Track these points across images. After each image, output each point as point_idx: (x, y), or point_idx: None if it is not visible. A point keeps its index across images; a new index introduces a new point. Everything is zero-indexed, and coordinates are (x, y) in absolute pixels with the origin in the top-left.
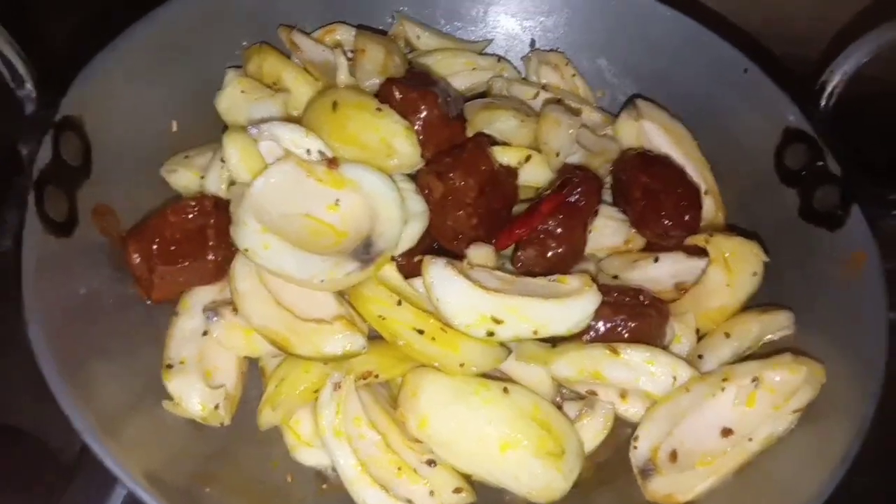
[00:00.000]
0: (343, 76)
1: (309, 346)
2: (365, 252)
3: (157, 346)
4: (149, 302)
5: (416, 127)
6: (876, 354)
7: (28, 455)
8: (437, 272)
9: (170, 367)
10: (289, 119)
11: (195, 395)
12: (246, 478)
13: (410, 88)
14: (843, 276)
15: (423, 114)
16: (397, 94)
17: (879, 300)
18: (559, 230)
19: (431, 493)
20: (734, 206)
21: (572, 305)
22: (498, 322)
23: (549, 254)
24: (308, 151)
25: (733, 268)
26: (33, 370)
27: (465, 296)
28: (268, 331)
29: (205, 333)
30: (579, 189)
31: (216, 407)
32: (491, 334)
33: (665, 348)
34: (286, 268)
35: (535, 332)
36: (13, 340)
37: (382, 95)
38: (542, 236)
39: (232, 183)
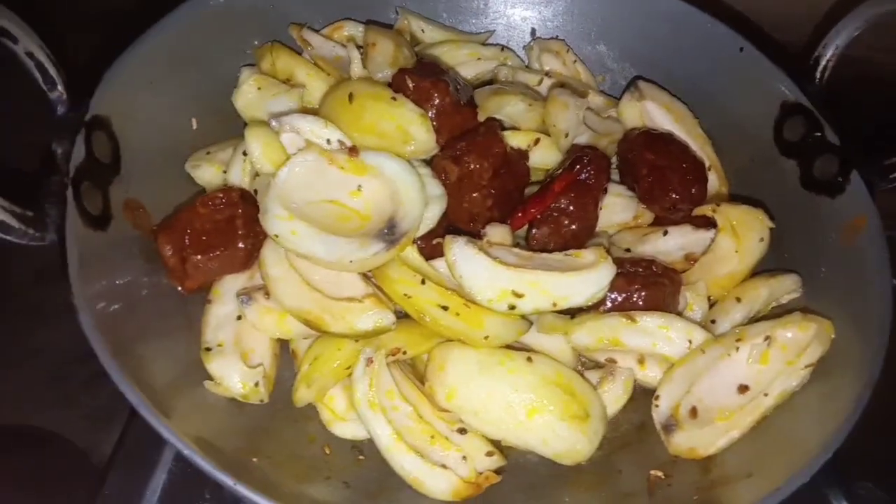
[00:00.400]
0: (357, 69)
1: (342, 323)
2: (389, 233)
3: (191, 333)
4: (181, 290)
5: (429, 114)
6: (881, 311)
7: (56, 457)
8: (459, 250)
9: (208, 350)
10: (305, 111)
11: (235, 375)
12: (287, 452)
13: (422, 78)
14: (845, 241)
15: (436, 101)
16: (410, 84)
17: (883, 259)
18: (571, 208)
19: (464, 457)
20: (737, 180)
21: (589, 277)
22: (518, 296)
23: (563, 230)
24: (328, 141)
25: (741, 234)
26: (57, 379)
27: (487, 272)
28: (301, 311)
29: (239, 318)
30: (589, 167)
31: (256, 385)
32: (512, 308)
33: (679, 315)
34: (315, 251)
35: (555, 305)
36: (37, 350)
37: (396, 85)
38: (555, 214)
39: (256, 175)
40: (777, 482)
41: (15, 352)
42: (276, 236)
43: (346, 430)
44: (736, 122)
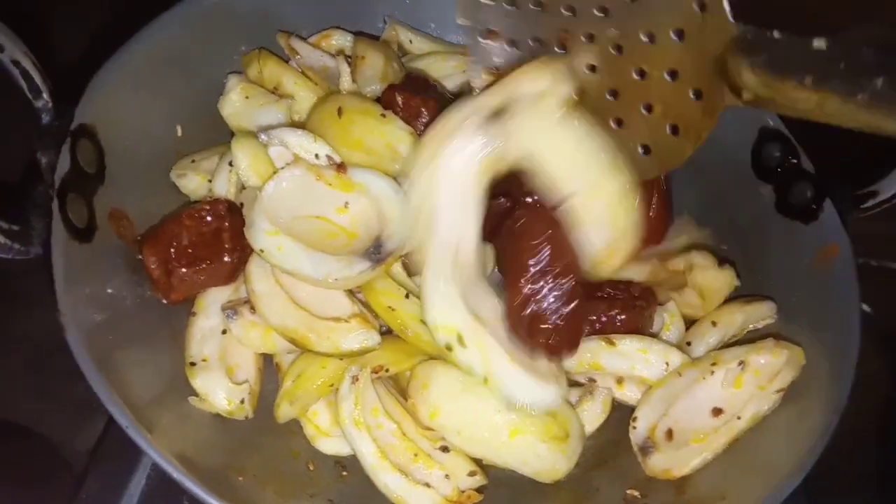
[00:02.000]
0: (346, 82)
1: (328, 342)
2: (376, 252)
3: (175, 345)
4: (165, 303)
5: (418, 131)
6: (849, 339)
7: (32, 451)
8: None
9: (193, 364)
10: (293, 124)
11: (221, 391)
12: (271, 468)
13: (412, 94)
14: (817, 267)
15: (426, 118)
16: (399, 100)
17: (852, 288)
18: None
19: (447, 476)
20: (714, 200)
21: (532, 386)
22: (461, 343)
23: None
24: (316, 156)
25: (707, 295)
26: (34, 370)
27: (449, 302)
28: (287, 330)
29: (224, 332)
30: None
31: (241, 402)
32: (448, 348)
33: (655, 334)
34: (301, 268)
35: (485, 380)
36: (13, 340)
37: (385, 101)
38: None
39: (243, 187)
40: None
41: None
42: (262, 251)
43: (330, 445)
44: (715, 143)
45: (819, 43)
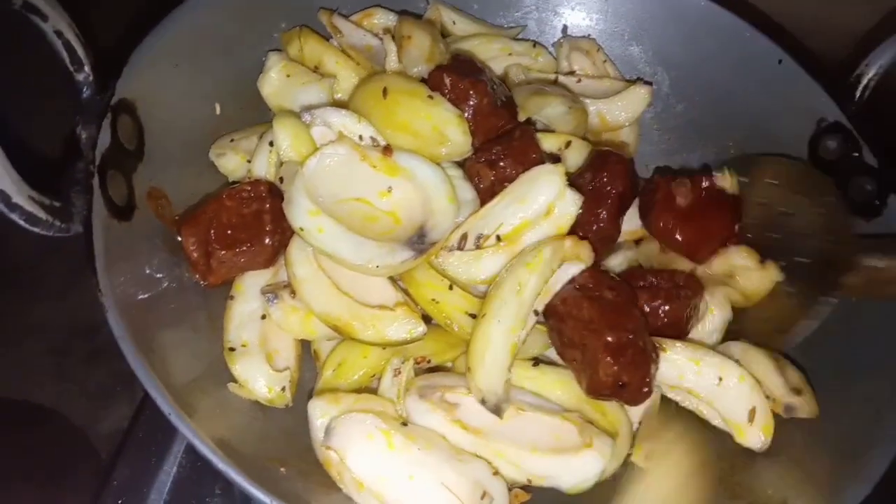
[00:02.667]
0: (392, 62)
1: (372, 331)
2: (419, 241)
3: (213, 329)
4: (203, 285)
5: (466, 115)
6: None
7: (56, 435)
8: (412, 405)
9: (232, 350)
10: (336, 104)
11: (261, 378)
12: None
13: (461, 77)
14: None
15: (474, 102)
16: (448, 82)
17: None
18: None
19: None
20: None
21: (571, 463)
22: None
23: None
24: (360, 137)
25: (751, 296)
26: (54, 355)
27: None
28: (330, 316)
29: (263, 317)
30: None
31: (283, 390)
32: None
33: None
34: (341, 251)
35: (530, 481)
36: (34, 326)
37: (433, 83)
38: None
39: (282, 163)
40: None
41: (15, 327)
42: (302, 230)
43: None
44: (770, 136)
45: None
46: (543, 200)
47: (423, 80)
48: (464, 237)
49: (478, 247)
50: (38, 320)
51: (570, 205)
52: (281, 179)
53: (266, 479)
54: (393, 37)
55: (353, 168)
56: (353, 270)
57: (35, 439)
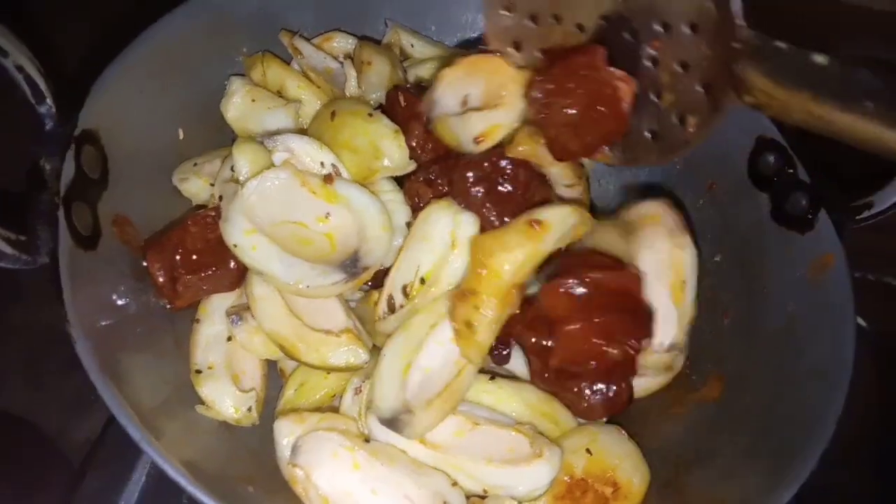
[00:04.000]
0: (352, 88)
1: (315, 355)
2: (352, 265)
3: (179, 352)
4: (169, 308)
5: (417, 132)
6: (844, 350)
7: (28, 442)
8: (374, 427)
9: (199, 372)
10: (300, 130)
11: (228, 399)
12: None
13: (414, 96)
14: (812, 277)
15: (426, 119)
16: (402, 99)
17: (847, 299)
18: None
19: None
20: (711, 208)
21: (523, 473)
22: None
23: None
24: (322, 164)
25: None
26: (29, 362)
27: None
28: (278, 336)
29: (229, 339)
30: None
31: (249, 409)
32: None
33: None
34: (273, 270)
35: (485, 491)
36: (9, 332)
37: (388, 101)
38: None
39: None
40: None
41: None
42: (235, 246)
43: None
44: (713, 150)
45: (820, 59)
46: (445, 231)
47: (383, 101)
48: (390, 298)
49: (406, 295)
50: (12, 325)
51: (468, 227)
52: (220, 198)
53: (234, 498)
54: (353, 61)
55: (293, 193)
56: (283, 290)
57: (5, 446)
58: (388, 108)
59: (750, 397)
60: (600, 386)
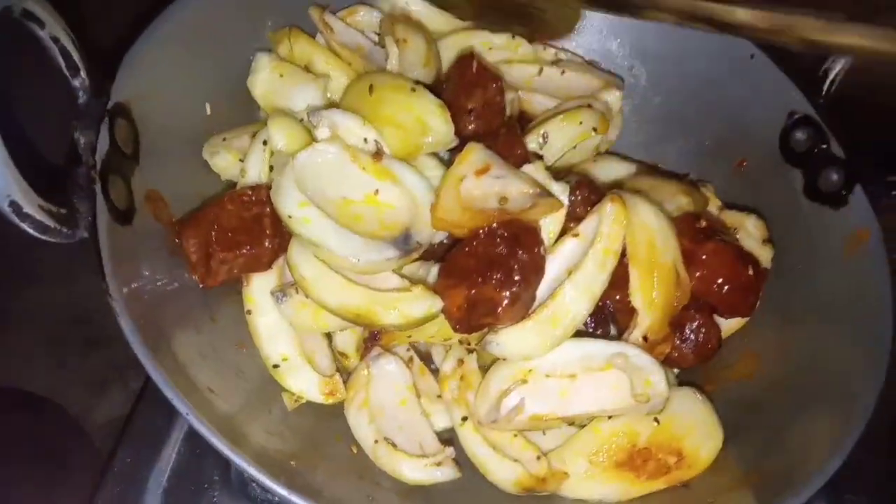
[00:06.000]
0: (395, 65)
1: (396, 313)
2: (404, 242)
3: (214, 328)
4: (201, 286)
5: (475, 104)
6: (881, 324)
7: (51, 422)
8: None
9: (276, 366)
10: (330, 104)
11: (314, 386)
12: (319, 453)
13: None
14: (847, 253)
15: (490, 93)
16: (475, 65)
17: (883, 274)
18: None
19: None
20: (742, 184)
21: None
22: None
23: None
24: (365, 140)
25: None
26: (50, 343)
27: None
28: (350, 308)
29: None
30: None
31: (338, 392)
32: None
33: None
34: (327, 241)
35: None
36: (30, 313)
37: (460, 65)
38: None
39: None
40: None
41: (9, 313)
42: (290, 217)
43: None
44: (743, 127)
45: None
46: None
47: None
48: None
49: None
50: (32, 307)
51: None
52: (271, 168)
53: (278, 471)
54: (382, 37)
55: (342, 167)
56: (334, 262)
57: (30, 426)
58: (456, 70)
59: (784, 374)
60: (689, 332)
